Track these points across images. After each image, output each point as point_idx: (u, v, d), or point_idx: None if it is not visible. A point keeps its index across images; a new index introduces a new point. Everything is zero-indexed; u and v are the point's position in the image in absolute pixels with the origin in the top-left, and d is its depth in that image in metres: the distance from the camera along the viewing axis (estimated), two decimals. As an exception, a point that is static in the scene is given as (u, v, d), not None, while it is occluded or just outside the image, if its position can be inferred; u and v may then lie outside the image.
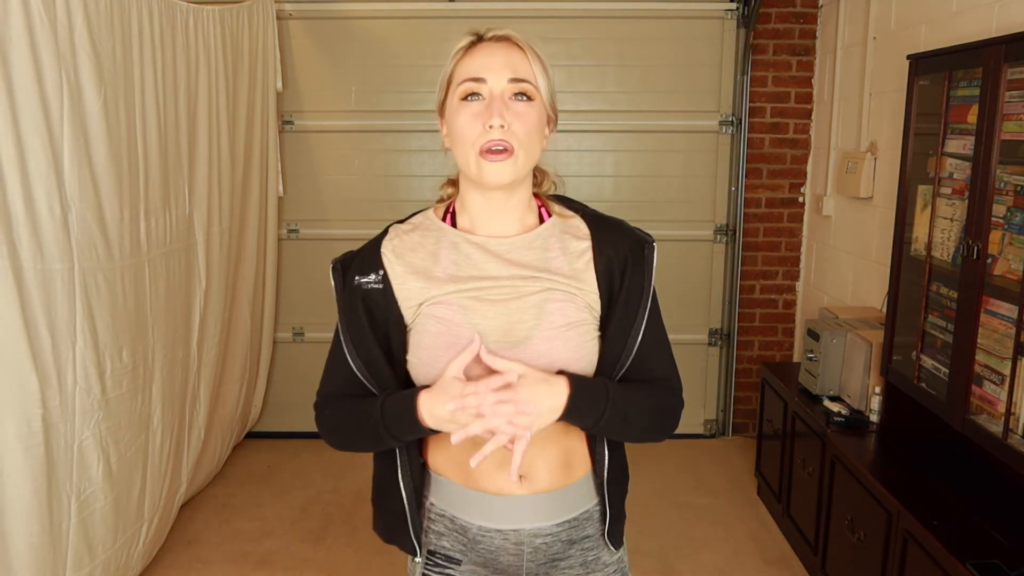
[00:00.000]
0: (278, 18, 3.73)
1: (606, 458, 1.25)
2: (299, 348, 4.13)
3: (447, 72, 1.21)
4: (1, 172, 1.94)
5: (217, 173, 3.13)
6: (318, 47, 3.87)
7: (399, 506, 1.24)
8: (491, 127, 1.12)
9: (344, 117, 3.92)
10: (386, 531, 1.31)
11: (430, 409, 1.11)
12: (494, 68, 1.15)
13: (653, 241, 1.24)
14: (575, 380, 1.12)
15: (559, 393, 1.11)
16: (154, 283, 2.61)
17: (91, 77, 2.21)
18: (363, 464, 3.75)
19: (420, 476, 1.26)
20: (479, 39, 1.19)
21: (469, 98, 1.16)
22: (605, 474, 1.25)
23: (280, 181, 3.84)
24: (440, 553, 1.26)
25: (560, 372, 1.14)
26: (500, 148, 1.13)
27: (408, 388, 1.19)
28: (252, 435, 4.02)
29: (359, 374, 1.20)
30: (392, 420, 1.15)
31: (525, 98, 1.16)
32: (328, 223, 4.00)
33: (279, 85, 3.75)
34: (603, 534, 1.28)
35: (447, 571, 1.26)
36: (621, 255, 1.21)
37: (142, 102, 2.52)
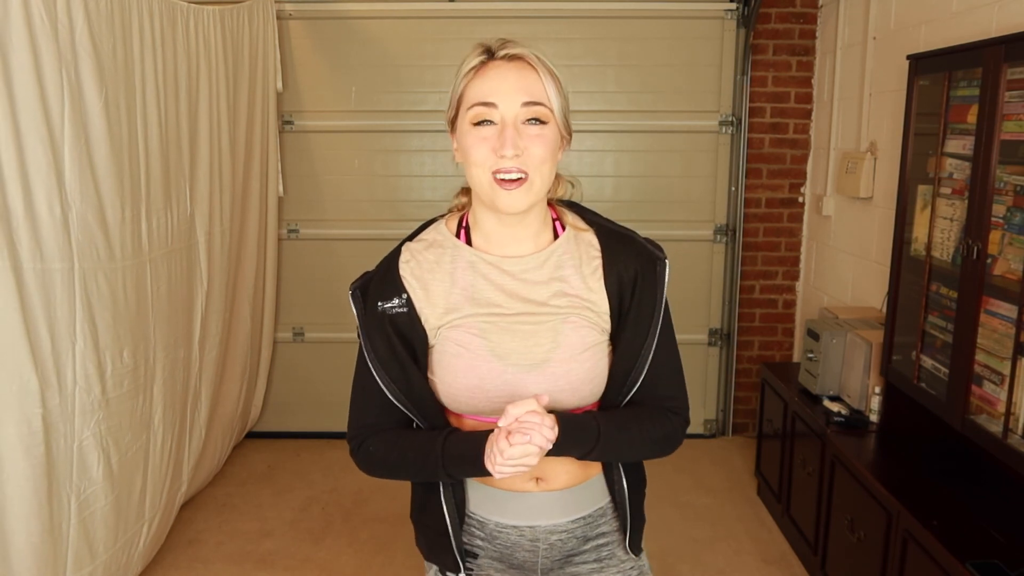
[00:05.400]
0: (278, 18, 3.73)
1: (621, 467, 1.26)
2: (299, 348, 4.13)
3: (457, 90, 1.16)
4: (1, 172, 1.94)
5: (218, 173, 3.13)
6: (318, 47, 3.87)
7: (441, 523, 1.24)
8: (503, 156, 1.10)
9: (344, 117, 3.91)
10: (428, 548, 1.30)
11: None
12: (506, 92, 1.11)
13: (664, 258, 1.22)
14: (564, 423, 1.11)
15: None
16: (155, 283, 2.61)
17: (92, 77, 2.21)
18: (363, 464, 3.75)
19: (462, 492, 1.25)
20: (490, 56, 1.14)
21: (481, 124, 1.13)
22: (624, 481, 1.26)
23: (280, 181, 3.85)
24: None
25: (551, 411, 1.13)
26: (514, 177, 1.11)
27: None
28: (252, 435, 4.02)
29: (395, 400, 1.18)
30: (454, 463, 1.14)
31: (538, 122, 1.13)
32: (328, 223, 3.99)
33: (279, 85, 3.75)
34: (624, 543, 1.28)
35: (465, 565, 1.27)
36: (631, 272, 1.20)
37: (143, 102, 2.52)
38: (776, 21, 3.85)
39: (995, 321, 2.01)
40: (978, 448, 2.07)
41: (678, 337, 1.27)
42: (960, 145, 2.20)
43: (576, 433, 1.13)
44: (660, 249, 1.23)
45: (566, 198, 1.29)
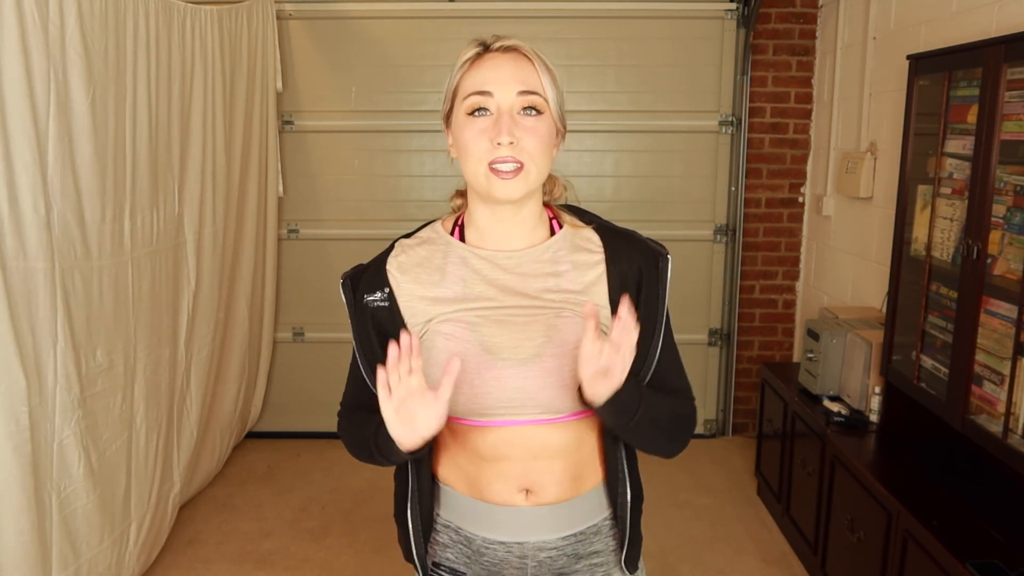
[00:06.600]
0: (278, 18, 3.73)
1: (626, 472, 1.22)
2: (299, 348, 4.13)
3: (453, 83, 1.15)
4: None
5: (211, 173, 3.11)
6: (318, 47, 3.87)
7: (406, 527, 1.23)
8: (499, 144, 1.09)
9: (344, 117, 3.92)
10: (405, 548, 1.28)
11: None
12: (502, 81, 1.11)
13: (668, 254, 1.20)
14: None
15: None
16: (137, 282, 2.59)
17: (80, 77, 2.21)
18: (363, 465, 3.76)
19: (430, 498, 1.23)
20: (485, 49, 1.14)
21: (476, 113, 1.11)
22: (628, 494, 1.22)
23: (280, 181, 3.84)
24: (445, 565, 1.24)
25: None
26: (509, 168, 1.10)
27: None
28: (252, 435, 4.02)
29: (371, 387, 1.19)
30: (383, 446, 1.12)
31: (534, 112, 1.12)
32: (328, 223, 4.00)
33: (279, 85, 3.75)
34: (620, 561, 1.24)
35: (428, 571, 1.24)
36: (635, 269, 1.17)
37: (133, 102, 2.52)
38: (776, 21, 3.85)
39: (995, 321, 2.01)
40: (978, 448, 2.07)
41: (678, 337, 1.25)
42: (960, 145, 2.20)
43: (627, 385, 1.05)
44: (662, 247, 1.22)
45: (563, 202, 1.27)
